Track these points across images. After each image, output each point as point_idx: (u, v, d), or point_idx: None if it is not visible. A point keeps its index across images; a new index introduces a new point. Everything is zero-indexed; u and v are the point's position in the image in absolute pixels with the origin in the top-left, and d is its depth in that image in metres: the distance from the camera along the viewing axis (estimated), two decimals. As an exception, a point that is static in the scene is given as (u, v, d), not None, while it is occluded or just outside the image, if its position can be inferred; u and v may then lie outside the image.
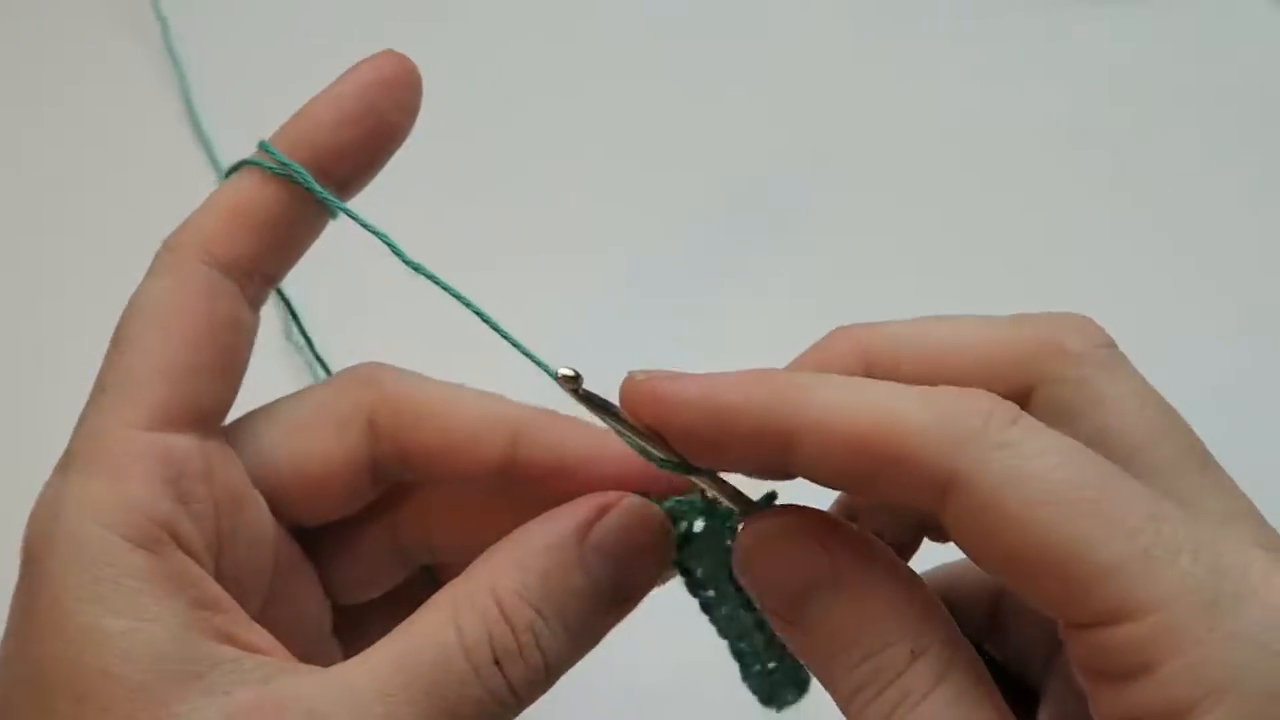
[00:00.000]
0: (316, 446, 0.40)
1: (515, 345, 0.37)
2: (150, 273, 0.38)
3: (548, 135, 0.72)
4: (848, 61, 0.78)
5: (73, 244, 0.66)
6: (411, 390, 0.40)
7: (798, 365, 0.37)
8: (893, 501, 0.37)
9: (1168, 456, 0.34)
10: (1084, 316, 0.36)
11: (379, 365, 0.41)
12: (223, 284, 0.38)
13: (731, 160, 0.73)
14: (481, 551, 0.38)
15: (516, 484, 0.40)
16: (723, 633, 0.41)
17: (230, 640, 0.35)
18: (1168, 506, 0.30)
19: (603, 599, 0.37)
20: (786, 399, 0.32)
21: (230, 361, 0.38)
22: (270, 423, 0.40)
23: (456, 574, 0.37)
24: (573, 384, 0.35)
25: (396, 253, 0.38)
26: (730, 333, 0.65)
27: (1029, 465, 0.30)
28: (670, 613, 0.39)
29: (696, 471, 0.35)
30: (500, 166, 0.70)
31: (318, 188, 0.38)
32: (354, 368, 0.41)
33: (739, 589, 0.38)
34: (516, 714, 0.36)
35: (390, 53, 0.39)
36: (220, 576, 0.36)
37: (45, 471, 0.36)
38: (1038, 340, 0.35)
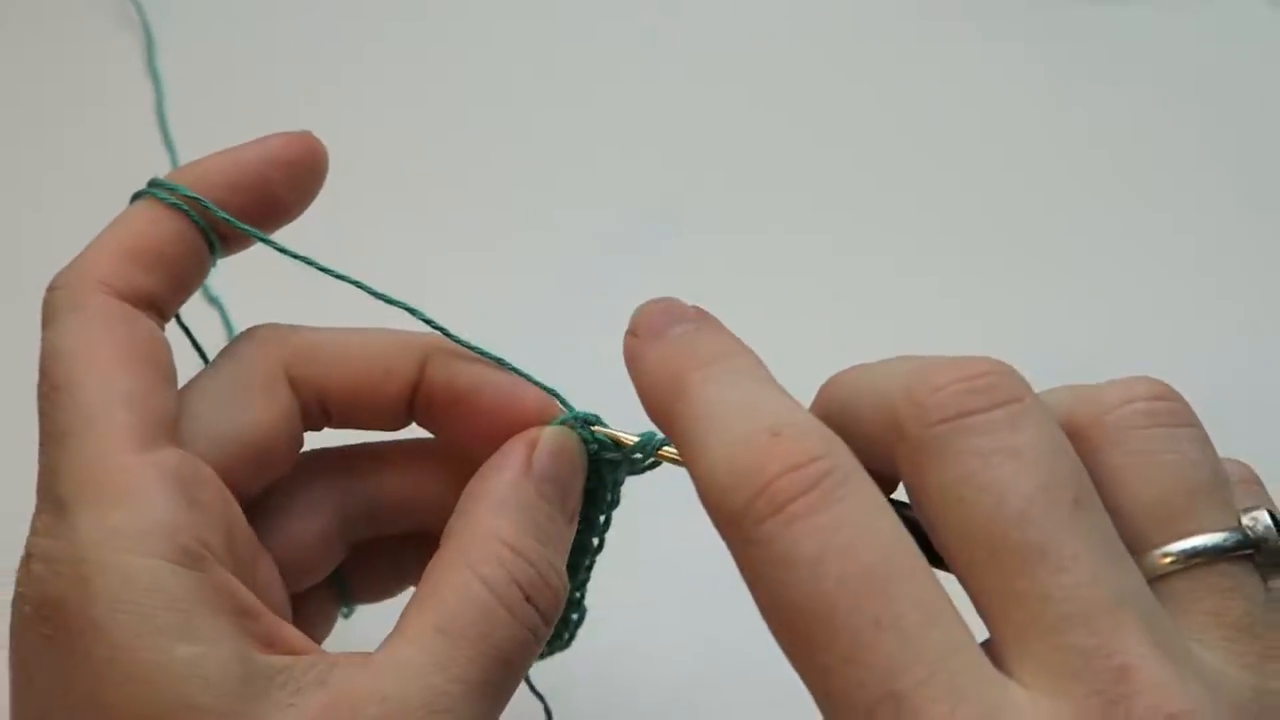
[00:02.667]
0: (254, 416, 0.40)
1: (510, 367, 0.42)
2: (53, 315, 0.38)
3: (509, 142, 0.72)
4: (846, 60, 0.78)
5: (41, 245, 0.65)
6: (316, 338, 0.42)
7: None
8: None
9: (971, 560, 0.31)
10: (960, 372, 0.32)
11: (275, 324, 0.42)
12: (128, 310, 0.38)
13: (715, 158, 0.72)
14: (421, 509, 0.43)
15: (431, 410, 0.42)
16: None
17: (273, 646, 0.35)
18: (878, 645, 0.29)
19: (561, 518, 0.41)
20: (672, 408, 0.35)
21: (167, 374, 0.38)
22: (199, 405, 0.39)
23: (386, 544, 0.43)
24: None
25: (324, 270, 0.40)
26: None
27: (765, 571, 0.31)
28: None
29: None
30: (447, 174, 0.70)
31: (225, 215, 0.39)
32: (251, 330, 0.42)
33: (598, 548, 0.44)
34: (547, 637, 0.39)
35: (302, 134, 0.41)
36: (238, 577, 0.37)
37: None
38: (891, 415, 0.33)
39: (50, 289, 0.38)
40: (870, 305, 0.66)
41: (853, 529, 0.30)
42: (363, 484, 0.44)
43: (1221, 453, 0.34)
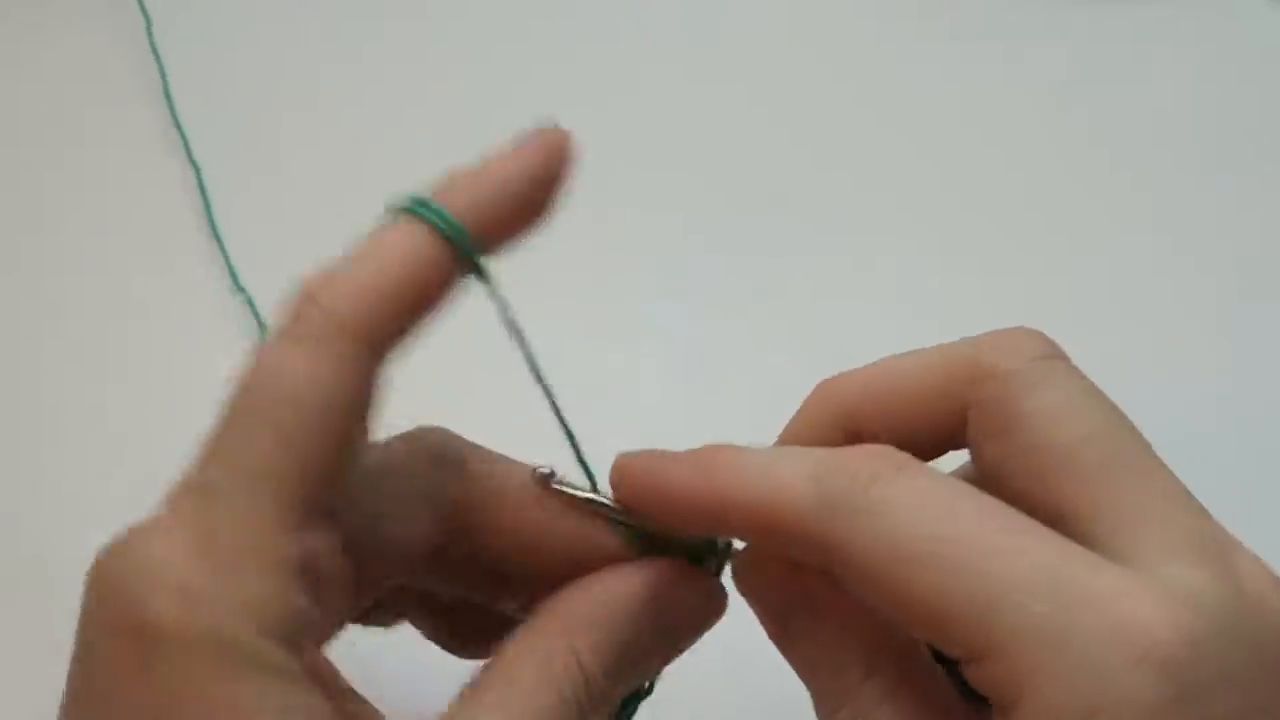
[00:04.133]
0: (395, 531, 0.37)
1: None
2: (297, 338, 0.34)
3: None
4: (845, 59, 0.78)
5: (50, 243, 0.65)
6: (485, 470, 0.39)
7: (786, 433, 0.40)
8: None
9: (1091, 463, 0.35)
10: (1024, 330, 0.37)
11: (446, 434, 0.39)
12: (367, 363, 0.34)
13: (725, 167, 0.73)
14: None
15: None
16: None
17: None
18: (1024, 542, 0.33)
19: (656, 656, 0.39)
20: (713, 486, 0.36)
21: (354, 450, 0.35)
22: (362, 493, 0.37)
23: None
24: (544, 481, 0.39)
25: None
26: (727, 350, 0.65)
27: (885, 525, 0.33)
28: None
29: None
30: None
31: (483, 268, 0.36)
32: (419, 435, 0.39)
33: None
34: None
35: (560, 135, 0.37)
36: None
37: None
38: (966, 364, 0.37)
39: (304, 302, 0.34)
40: (872, 304, 0.67)
41: (954, 482, 0.34)
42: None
43: (1217, 450, 0.36)
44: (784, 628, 0.38)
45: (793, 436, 0.40)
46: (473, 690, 0.36)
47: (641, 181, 0.71)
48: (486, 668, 0.36)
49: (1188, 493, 0.35)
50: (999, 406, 0.36)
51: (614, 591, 0.38)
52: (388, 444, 0.38)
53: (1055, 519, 0.34)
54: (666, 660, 0.39)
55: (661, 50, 0.78)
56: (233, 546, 0.33)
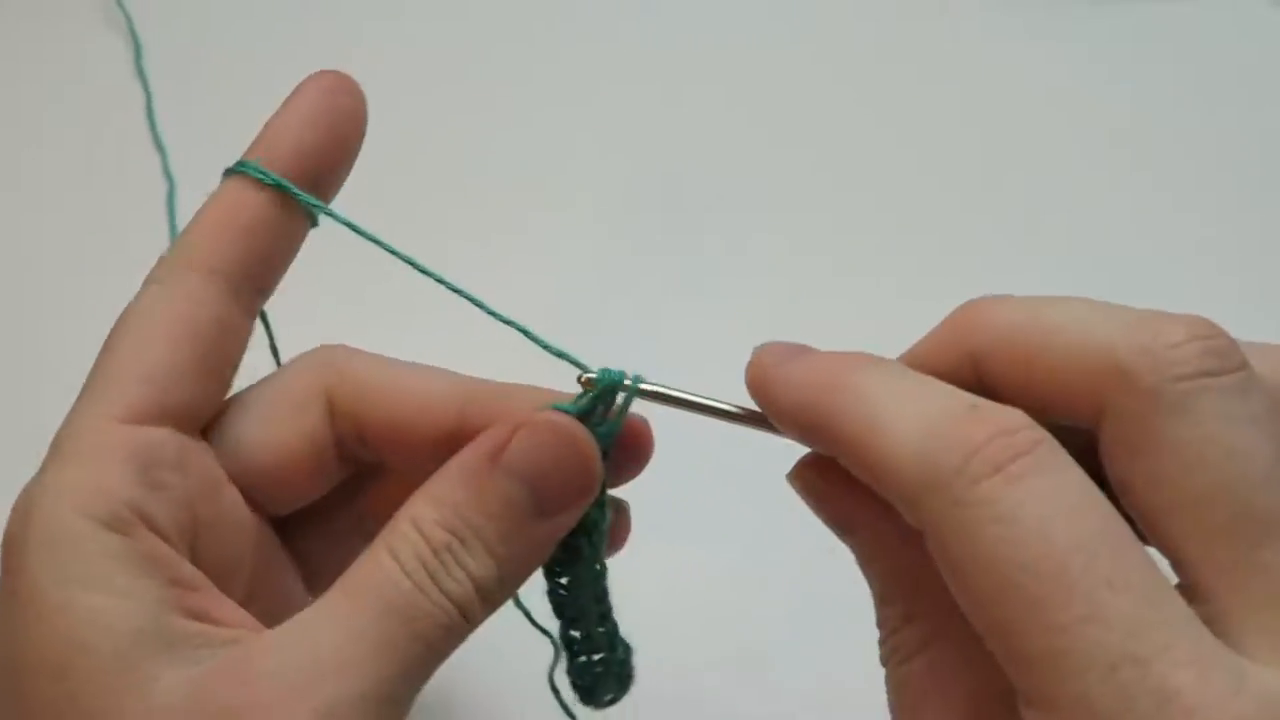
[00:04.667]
0: (277, 432, 0.41)
1: (532, 337, 0.40)
2: (143, 284, 0.40)
3: (518, 130, 0.73)
4: (847, 59, 0.78)
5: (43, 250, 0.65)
6: (365, 368, 0.42)
7: (913, 352, 0.37)
8: None
9: (1208, 526, 0.31)
10: (1186, 325, 0.32)
11: (333, 346, 0.42)
12: (208, 288, 0.39)
13: (719, 147, 0.72)
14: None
15: None
16: (564, 613, 0.42)
17: (204, 617, 0.36)
18: (1115, 606, 0.29)
19: (528, 515, 0.38)
20: (823, 406, 0.35)
21: (214, 363, 0.40)
22: (234, 413, 0.41)
23: None
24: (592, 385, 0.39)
25: (391, 250, 0.40)
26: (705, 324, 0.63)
27: (983, 533, 0.31)
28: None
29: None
30: (464, 158, 0.71)
31: (298, 191, 0.40)
32: (309, 351, 0.42)
33: (599, 574, 0.41)
34: (470, 631, 0.37)
35: (326, 71, 0.42)
36: (198, 564, 0.38)
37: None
38: (1113, 362, 0.32)
39: (156, 262, 0.40)
40: (872, 304, 0.66)
41: (1077, 492, 0.31)
42: (386, 506, 0.41)
43: None
44: (839, 532, 0.38)
45: (917, 358, 0.37)
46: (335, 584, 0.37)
47: (643, 181, 0.71)
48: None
49: None
50: (1136, 424, 0.32)
51: (461, 456, 0.38)
52: (280, 368, 0.43)
53: (1172, 560, 0.32)
54: (537, 514, 0.38)
55: (661, 50, 0.77)
56: (63, 444, 0.37)
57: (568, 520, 0.39)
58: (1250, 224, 0.72)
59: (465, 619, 0.37)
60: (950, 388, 0.34)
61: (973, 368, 0.35)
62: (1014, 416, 0.32)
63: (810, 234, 0.70)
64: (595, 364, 0.39)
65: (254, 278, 0.40)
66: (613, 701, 0.43)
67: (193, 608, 0.36)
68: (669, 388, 0.39)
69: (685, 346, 0.58)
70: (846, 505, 0.37)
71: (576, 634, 0.42)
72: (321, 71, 0.41)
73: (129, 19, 0.73)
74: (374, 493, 0.44)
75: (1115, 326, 0.32)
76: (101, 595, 0.35)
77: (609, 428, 0.39)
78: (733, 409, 0.39)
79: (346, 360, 0.42)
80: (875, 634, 0.37)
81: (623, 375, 0.39)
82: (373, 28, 0.76)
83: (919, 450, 0.32)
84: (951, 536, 0.31)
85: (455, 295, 0.40)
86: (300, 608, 0.41)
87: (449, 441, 0.39)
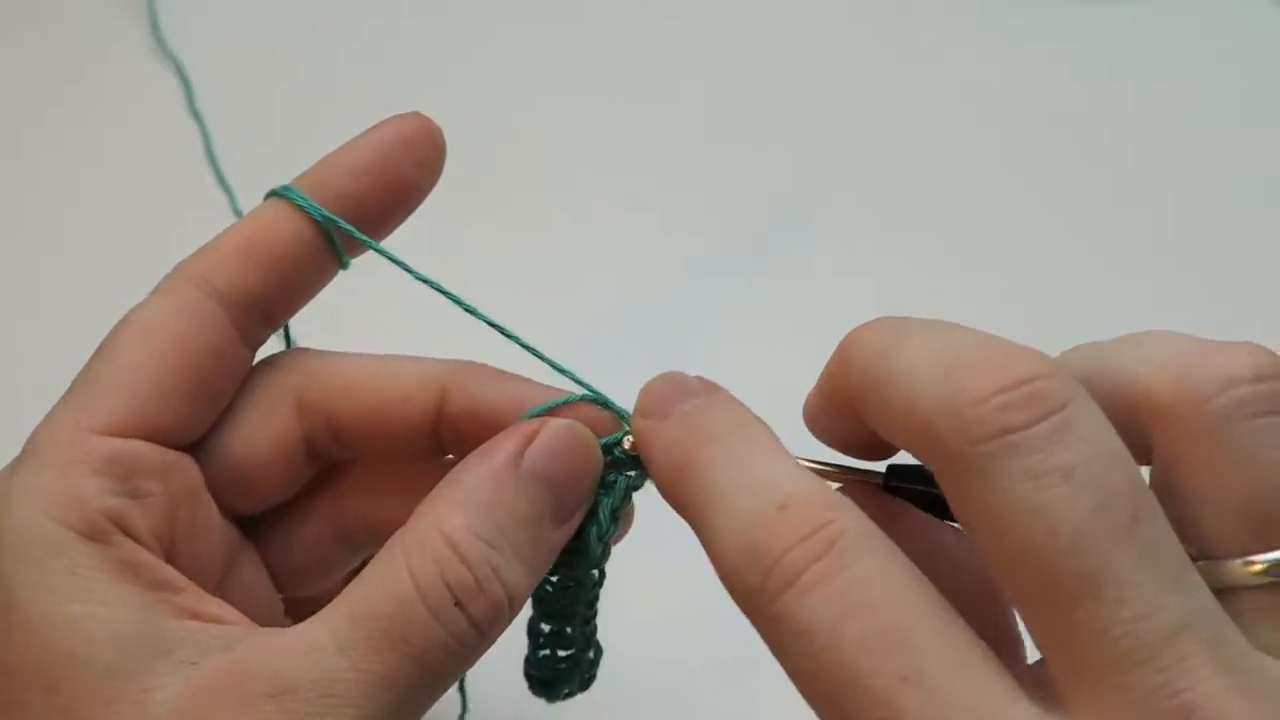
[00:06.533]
0: (246, 435, 0.40)
1: (569, 375, 0.40)
2: (151, 292, 0.39)
3: (559, 144, 0.73)
4: (851, 60, 0.79)
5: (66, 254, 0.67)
6: (335, 364, 0.41)
7: (813, 391, 0.37)
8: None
9: (1022, 592, 0.30)
10: (1001, 379, 0.30)
11: (301, 348, 0.42)
12: (212, 312, 0.39)
13: (744, 169, 0.73)
14: None
15: (449, 442, 0.40)
16: (550, 609, 0.41)
17: (193, 615, 0.35)
18: (909, 702, 0.28)
19: (546, 521, 0.37)
20: (683, 490, 0.34)
21: (203, 387, 0.39)
22: (226, 413, 0.40)
23: None
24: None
25: (444, 293, 0.40)
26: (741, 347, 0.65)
27: (786, 645, 0.30)
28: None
29: None
30: (503, 177, 0.71)
31: (346, 224, 0.39)
32: (276, 354, 0.41)
33: (600, 577, 0.41)
34: (484, 650, 0.36)
35: (413, 113, 0.41)
36: (174, 567, 0.37)
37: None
38: (924, 424, 0.30)
39: (171, 270, 0.40)
40: (870, 302, 0.67)
41: (867, 587, 0.30)
42: (357, 501, 0.43)
43: None
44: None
45: (816, 397, 0.36)
46: (343, 591, 0.36)
47: (642, 181, 0.72)
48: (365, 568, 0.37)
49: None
50: (950, 489, 0.31)
51: (481, 460, 0.37)
52: (249, 372, 0.41)
53: None
54: (556, 519, 0.38)
55: (660, 51, 0.78)
56: (38, 449, 0.36)
57: (574, 525, 0.39)
58: (1251, 224, 0.72)
59: (481, 638, 0.36)
60: (778, 472, 0.33)
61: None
62: (816, 512, 0.31)
63: (815, 239, 0.70)
64: (621, 385, 0.40)
65: (265, 309, 0.40)
66: (568, 696, 0.43)
67: (180, 607, 0.35)
68: None
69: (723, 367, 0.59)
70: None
71: (547, 628, 0.41)
72: (406, 114, 0.40)
73: (177, 61, 0.74)
74: (346, 493, 0.43)
75: (929, 382, 0.30)
76: (88, 604, 0.34)
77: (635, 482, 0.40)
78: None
79: (317, 359, 0.41)
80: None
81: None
82: (423, 52, 0.76)
83: (733, 567, 0.31)
84: (774, 651, 0.31)
85: (471, 321, 0.40)
86: (268, 605, 0.42)
87: (427, 428, 0.40)
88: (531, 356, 0.40)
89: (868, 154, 0.74)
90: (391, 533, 0.40)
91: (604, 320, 0.66)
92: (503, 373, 0.40)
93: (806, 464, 0.35)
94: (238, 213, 0.67)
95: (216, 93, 0.73)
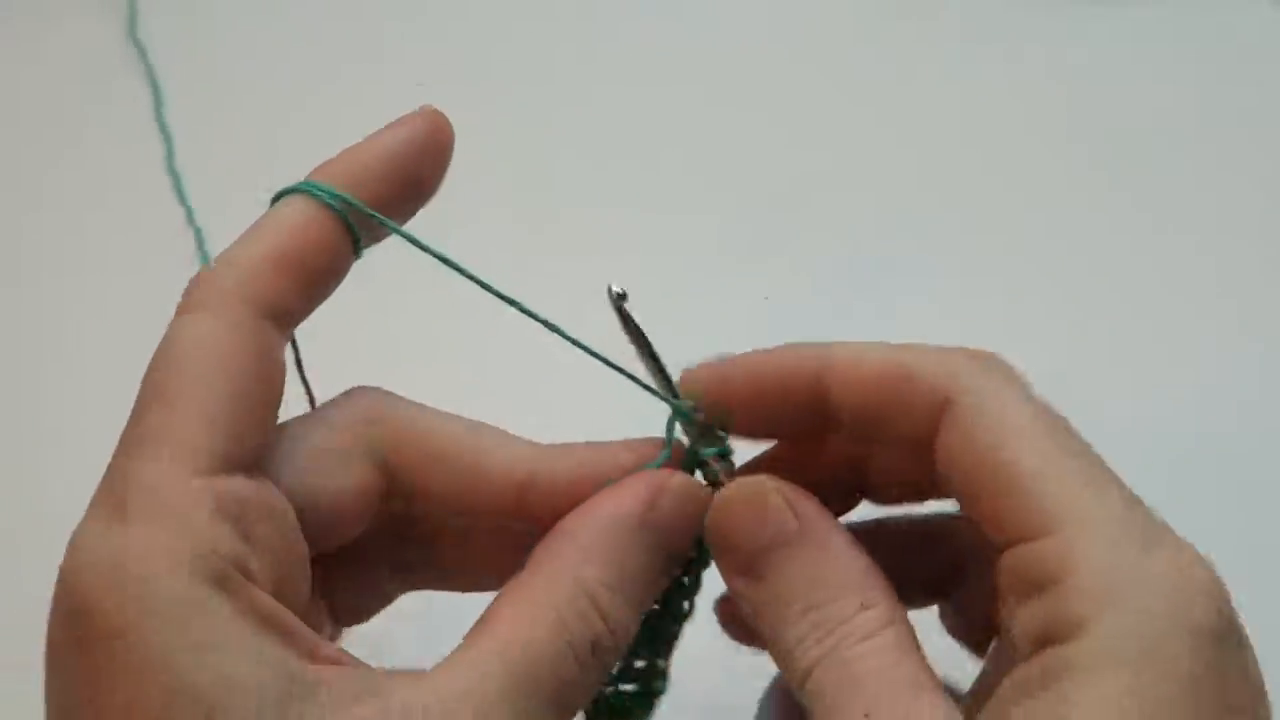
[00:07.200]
0: (331, 484, 0.40)
1: (637, 381, 0.41)
2: (190, 309, 0.38)
3: (562, 143, 0.74)
4: (845, 61, 0.79)
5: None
6: (421, 430, 0.41)
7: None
8: (895, 431, 0.40)
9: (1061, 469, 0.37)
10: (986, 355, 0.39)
11: (372, 390, 0.41)
12: (265, 328, 0.38)
13: (752, 181, 0.74)
14: (484, 571, 0.42)
15: (525, 519, 0.41)
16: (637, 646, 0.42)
17: (318, 660, 0.35)
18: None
19: (661, 573, 0.40)
20: (813, 355, 0.40)
21: (272, 403, 0.38)
22: (286, 455, 0.40)
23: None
24: (619, 299, 0.40)
25: (469, 276, 0.40)
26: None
27: (1006, 405, 0.37)
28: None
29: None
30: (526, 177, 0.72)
31: (386, 220, 0.40)
32: (355, 395, 0.41)
33: (690, 610, 0.42)
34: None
35: (432, 112, 0.41)
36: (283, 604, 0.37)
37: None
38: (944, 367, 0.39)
39: (196, 281, 0.39)
40: (869, 303, 0.67)
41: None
42: (423, 545, 0.43)
43: (1221, 454, 0.36)
44: (761, 564, 0.39)
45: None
46: (478, 629, 0.37)
47: (643, 181, 0.72)
48: (492, 606, 0.38)
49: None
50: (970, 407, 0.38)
51: (610, 513, 0.39)
52: (323, 406, 0.41)
53: None
54: (668, 571, 0.40)
55: (659, 52, 0.79)
56: (140, 500, 0.35)
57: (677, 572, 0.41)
58: (1251, 223, 0.72)
59: (603, 680, 0.39)
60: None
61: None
62: None
63: (813, 239, 0.70)
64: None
65: (301, 312, 0.40)
66: None
67: (308, 652, 0.35)
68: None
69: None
70: (790, 513, 0.39)
71: (625, 662, 0.42)
72: (424, 111, 0.41)
73: (149, 65, 0.74)
74: (411, 531, 0.43)
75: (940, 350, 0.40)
76: (234, 657, 0.34)
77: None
78: None
79: (401, 418, 0.41)
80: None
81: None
82: (432, 56, 0.77)
83: (937, 356, 0.39)
84: (980, 406, 0.38)
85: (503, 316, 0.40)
86: (330, 640, 0.41)
87: (509, 509, 0.40)
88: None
89: (879, 150, 0.75)
90: (456, 574, 0.44)
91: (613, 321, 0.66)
92: (584, 449, 0.41)
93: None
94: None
95: (187, 104, 0.73)
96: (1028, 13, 0.80)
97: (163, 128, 0.71)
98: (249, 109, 0.75)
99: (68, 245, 0.68)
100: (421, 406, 0.41)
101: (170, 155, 0.69)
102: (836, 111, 0.76)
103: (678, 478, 0.40)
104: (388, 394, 0.41)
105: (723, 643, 0.45)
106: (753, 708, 0.47)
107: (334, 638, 0.45)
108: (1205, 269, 0.70)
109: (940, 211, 0.72)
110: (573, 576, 0.38)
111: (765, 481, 0.39)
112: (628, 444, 0.41)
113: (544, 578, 0.38)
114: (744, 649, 0.45)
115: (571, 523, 0.39)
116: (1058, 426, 0.37)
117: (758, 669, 0.43)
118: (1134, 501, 0.36)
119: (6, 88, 0.75)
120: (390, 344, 0.61)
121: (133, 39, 0.75)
